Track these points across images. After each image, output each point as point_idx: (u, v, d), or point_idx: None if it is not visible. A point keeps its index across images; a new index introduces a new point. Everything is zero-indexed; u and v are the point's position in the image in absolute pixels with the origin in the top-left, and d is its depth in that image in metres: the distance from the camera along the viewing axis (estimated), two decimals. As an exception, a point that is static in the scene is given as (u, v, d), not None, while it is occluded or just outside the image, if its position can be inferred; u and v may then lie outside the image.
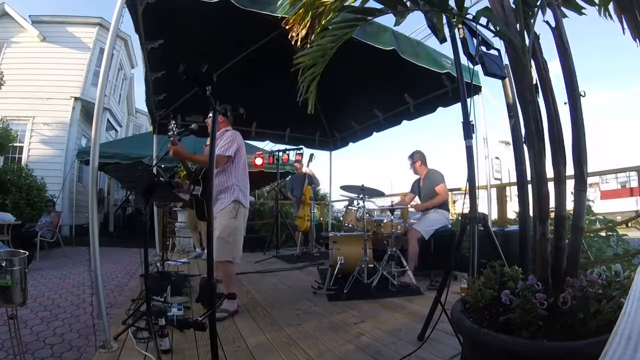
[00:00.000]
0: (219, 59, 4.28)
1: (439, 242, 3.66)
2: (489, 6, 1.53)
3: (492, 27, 1.60)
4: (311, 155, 6.01)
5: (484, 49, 2.06)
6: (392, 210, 3.63)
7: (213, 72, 1.77)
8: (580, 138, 1.31)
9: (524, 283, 1.19)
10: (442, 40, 2.16)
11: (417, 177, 4.08)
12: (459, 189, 4.98)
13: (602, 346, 0.77)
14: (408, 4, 1.58)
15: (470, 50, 2.02)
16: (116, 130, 14.22)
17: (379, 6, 1.58)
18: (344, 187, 3.74)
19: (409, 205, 4.10)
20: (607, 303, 1.10)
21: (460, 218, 2.33)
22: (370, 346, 2.04)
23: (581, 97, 1.34)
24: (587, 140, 1.33)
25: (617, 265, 1.29)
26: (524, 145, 1.48)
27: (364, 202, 3.56)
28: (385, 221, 3.61)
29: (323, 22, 1.73)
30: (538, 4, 1.43)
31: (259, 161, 6.51)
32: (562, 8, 1.46)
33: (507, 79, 2.21)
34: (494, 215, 4.72)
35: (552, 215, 1.37)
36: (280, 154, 6.45)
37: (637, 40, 1.38)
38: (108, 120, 12.23)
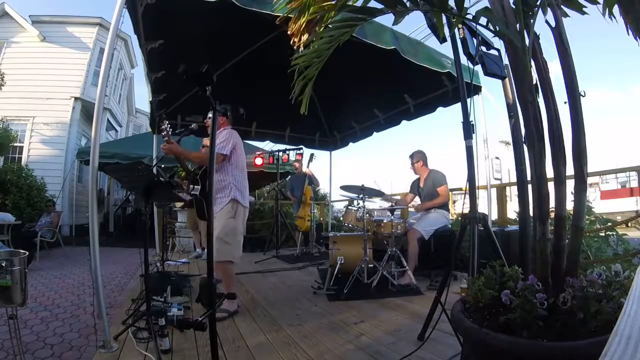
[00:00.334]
0: (219, 59, 4.29)
1: (439, 242, 3.66)
2: (489, 6, 1.52)
3: (492, 27, 1.59)
4: (311, 155, 6.02)
5: (484, 49, 2.07)
6: (392, 210, 3.63)
7: (213, 72, 1.76)
8: (580, 138, 1.31)
9: (524, 283, 1.19)
10: (442, 40, 2.16)
11: (417, 177, 4.08)
12: (459, 189, 4.98)
13: (602, 346, 0.77)
14: (408, 4, 1.57)
15: (470, 50, 2.02)
16: (116, 130, 14.23)
17: (379, 6, 1.58)
18: (343, 187, 3.73)
19: (409, 205, 4.10)
20: (607, 303, 1.10)
21: (460, 218, 2.33)
22: (370, 346, 2.03)
23: (581, 97, 1.34)
24: (587, 140, 1.33)
25: (617, 265, 1.29)
26: (524, 145, 1.48)
27: (364, 202, 3.56)
28: (385, 221, 3.61)
29: (325, 19, 1.72)
30: (538, 3, 1.43)
31: (259, 161, 6.50)
32: (562, 7, 1.46)
33: (507, 79, 2.20)
34: (494, 215, 4.71)
35: (552, 215, 1.37)
36: (280, 154, 6.44)
37: (639, 39, 1.38)
38: (108, 120, 12.25)
